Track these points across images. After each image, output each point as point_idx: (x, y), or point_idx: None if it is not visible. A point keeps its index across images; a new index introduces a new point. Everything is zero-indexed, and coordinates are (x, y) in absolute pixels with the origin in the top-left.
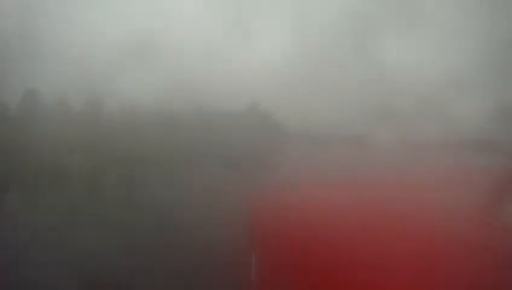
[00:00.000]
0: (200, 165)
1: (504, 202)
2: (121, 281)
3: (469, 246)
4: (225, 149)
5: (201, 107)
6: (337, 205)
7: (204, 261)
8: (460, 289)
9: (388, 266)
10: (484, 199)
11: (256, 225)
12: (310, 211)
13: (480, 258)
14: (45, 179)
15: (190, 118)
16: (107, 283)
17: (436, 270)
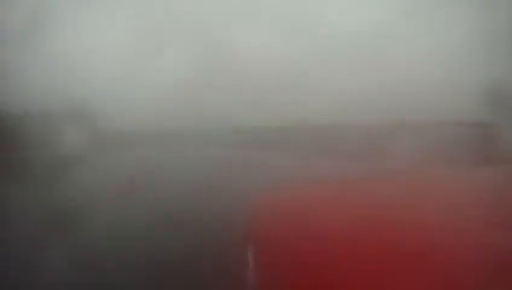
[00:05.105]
0: None
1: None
2: (116, 277)
3: (470, 246)
4: None
5: None
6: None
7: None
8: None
9: (389, 265)
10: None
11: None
12: (308, 209)
13: (482, 258)
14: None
15: None
16: (104, 281)
17: (435, 269)
